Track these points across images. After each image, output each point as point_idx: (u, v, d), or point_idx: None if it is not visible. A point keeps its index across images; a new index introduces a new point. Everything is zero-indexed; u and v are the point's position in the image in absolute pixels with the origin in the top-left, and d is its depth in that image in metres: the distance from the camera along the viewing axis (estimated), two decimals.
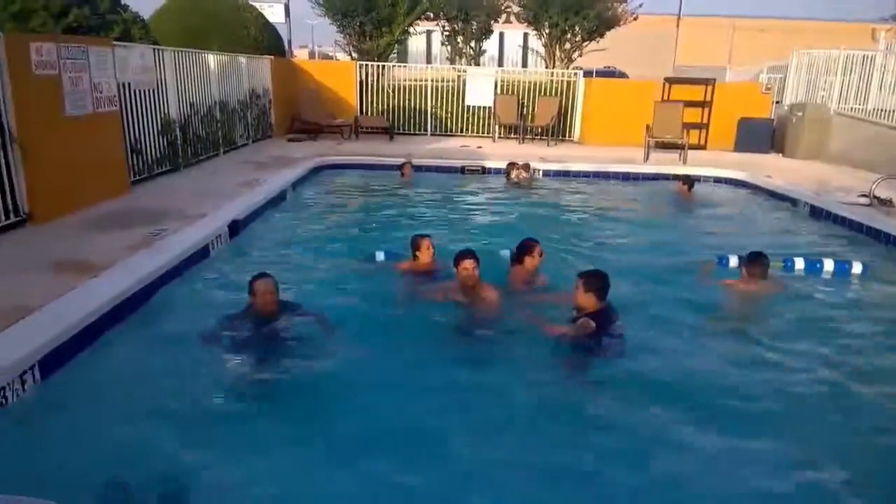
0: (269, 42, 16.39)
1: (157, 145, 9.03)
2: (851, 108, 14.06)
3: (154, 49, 9.05)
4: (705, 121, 14.85)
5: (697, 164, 12.10)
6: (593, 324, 4.29)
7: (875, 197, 8.76)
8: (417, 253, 5.52)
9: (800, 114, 13.98)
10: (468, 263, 4.78)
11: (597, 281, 4.42)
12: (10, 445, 3.27)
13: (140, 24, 10.09)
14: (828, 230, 8.21)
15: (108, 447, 3.27)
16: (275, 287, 4.39)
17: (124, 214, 6.92)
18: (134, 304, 4.77)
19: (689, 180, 10.18)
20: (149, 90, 8.79)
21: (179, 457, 3.21)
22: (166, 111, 9.26)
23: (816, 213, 8.89)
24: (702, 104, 14.81)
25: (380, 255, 6.17)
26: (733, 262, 6.09)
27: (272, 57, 14.56)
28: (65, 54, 6.79)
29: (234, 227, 6.89)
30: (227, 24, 15.18)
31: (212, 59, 10.97)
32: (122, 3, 10.18)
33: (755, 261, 5.48)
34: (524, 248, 5.35)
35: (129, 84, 8.24)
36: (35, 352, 3.75)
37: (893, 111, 12.73)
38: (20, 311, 4.15)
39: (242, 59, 12.57)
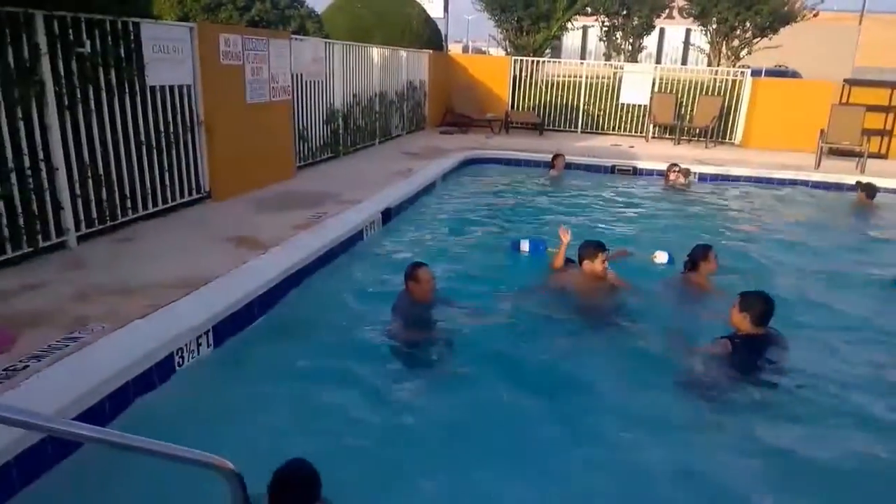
0: (429, 36, 16.83)
1: (321, 133, 9.58)
2: None
3: (325, 42, 9.58)
4: (889, 128, 13.43)
5: (877, 175, 10.91)
6: (730, 346, 3.97)
7: None
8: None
9: None
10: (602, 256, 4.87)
11: (754, 302, 4.01)
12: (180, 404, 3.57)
13: (314, 19, 10.74)
14: None
15: (274, 417, 3.51)
16: (433, 277, 4.48)
17: (290, 197, 7.41)
18: (296, 281, 5.11)
19: (871, 189, 9.32)
20: (318, 81, 9.32)
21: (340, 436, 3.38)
22: (332, 101, 9.79)
23: None
24: (886, 109, 13.40)
25: (524, 245, 6.18)
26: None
27: (431, 51, 14.93)
28: (249, 46, 7.37)
29: (387, 214, 7.17)
30: (392, 18, 15.76)
31: (375, 53, 11.44)
32: None
33: None
34: (698, 253, 5.10)
35: (302, 75, 8.78)
36: (210, 319, 4.10)
37: None
38: (198, 281, 4.57)
39: (403, 53, 12.99)
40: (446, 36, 24.18)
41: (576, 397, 3.87)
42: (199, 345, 3.99)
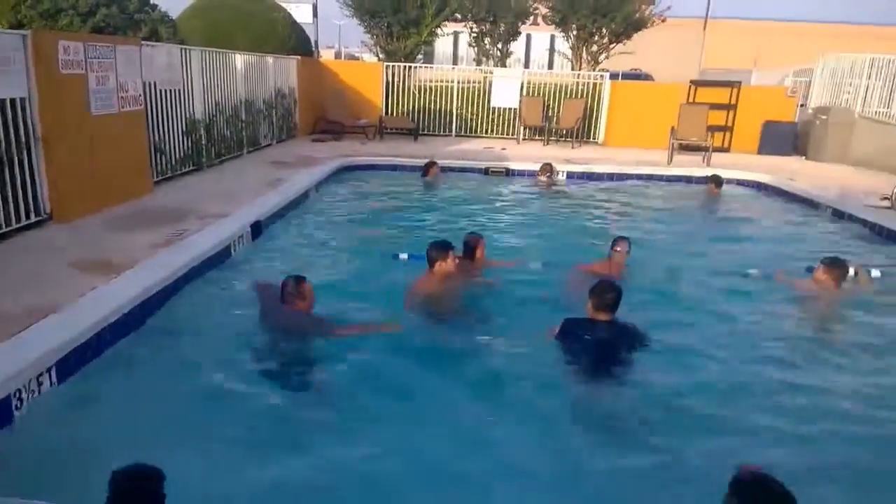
0: (296, 42, 16.44)
1: (181, 145, 9.06)
2: (876, 112, 13.88)
3: (181, 48, 9.08)
4: (730, 124, 14.75)
5: (721, 167, 11.96)
6: (556, 330, 4.27)
7: None
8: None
9: (824, 117, 13.92)
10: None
11: (596, 287, 4.27)
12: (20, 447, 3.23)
13: (168, 24, 10.14)
14: (849, 233, 8.17)
15: (122, 451, 3.22)
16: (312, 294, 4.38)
17: (147, 214, 6.93)
18: (156, 305, 4.75)
19: (718, 180, 10.23)
20: (174, 89, 8.82)
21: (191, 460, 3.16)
22: (191, 111, 9.29)
23: (838, 215, 8.89)
24: (727, 107, 14.71)
25: (403, 256, 6.13)
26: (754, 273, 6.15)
27: (299, 57, 14.59)
28: (92, 53, 6.82)
29: (257, 228, 6.87)
30: (255, 24, 15.25)
31: (238, 59, 11.00)
32: (151, 2, 10.25)
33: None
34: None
35: (155, 83, 8.26)
36: (54, 352, 3.72)
37: None
38: (39, 312, 4.13)
39: (269, 59, 12.59)
40: (317, 42, 23.75)
41: (431, 401, 3.82)
42: (39, 384, 3.60)
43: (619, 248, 5.73)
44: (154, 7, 9.99)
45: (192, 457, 3.14)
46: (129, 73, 7.54)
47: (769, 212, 9.69)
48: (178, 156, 8.97)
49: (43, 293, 4.47)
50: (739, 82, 15.10)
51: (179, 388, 3.85)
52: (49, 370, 3.67)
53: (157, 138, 8.37)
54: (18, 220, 5.97)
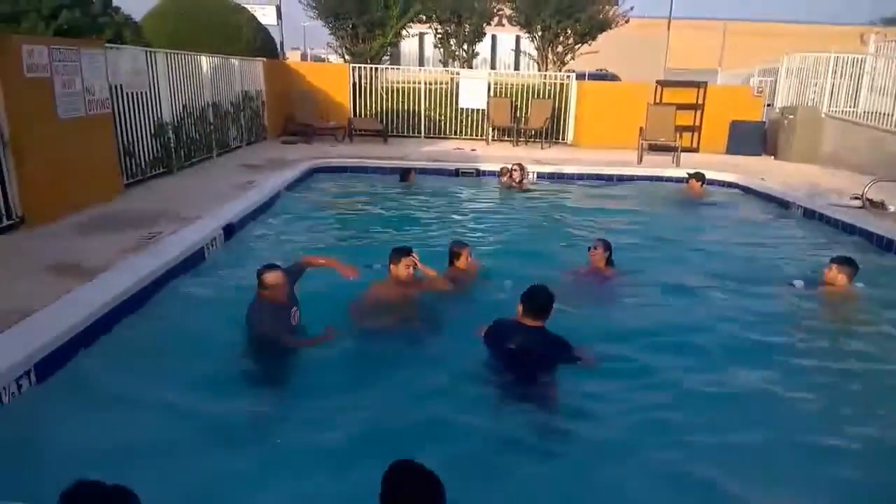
0: (262, 44, 16.33)
1: (150, 148, 8.97)
2: (842, 111, 14.13)
3: (146, 51, 9.00)
4: (698, 123, 14.94)
5: (690, 167, 12.07)
6: (483, 330, 4.17)
7: (867, 199, 8.79)
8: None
9: (791, 116, 14.11)
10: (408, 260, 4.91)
11: (529, 291, 4.05)
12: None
13: (132, 27, 10.01)
14: (820, 233, 8.24)
15: (96, 453, 3.20)
16: (284, 276, 4.32)
17: (118, 217, 6.87)
18: (129, 308, 4.73)
19: (701, 176, 10.32)
20: (141, 92, 8.73)
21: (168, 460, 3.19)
22: (159, 113, 9.20)
23: (809, 215, 8.93)
24: (694, 107, 14.91)
25: (377, 266, 6.14)
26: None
27: (264, 59, 14.51)
28: (56, 57, 6.74)
29: (229, 230, 6.85)
30: (219, 27, 15.11)
31: (204, 62, 10.92)
32: (114, 5, 10.09)
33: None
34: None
35: (122, 86, 8.18)
36: (30, 356, 3.71)
37: (883, 114, 12.81)
38: (14, 316, 4.10)
39: (235, 62, 12.52)
40: (282, 43, 23.60)
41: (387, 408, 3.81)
42: (19, 386, 3.58)
43: (596, 249, 5.80)
44: (117, 10, 9.85)
45: (163, 461, 3.18)
46: (95, 76, 7.45)
47: (743, 212, 9.72)
48: (147, 158, 8.88)
49: (17, 297, 4.43)
50: (706, 82, 15.32)
51: (155, 390, 3.83)
52: (28, 373, 3.65)
53: (125, 141, 8.29)
54: None
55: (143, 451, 3.24)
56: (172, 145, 9.49)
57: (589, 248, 5.89)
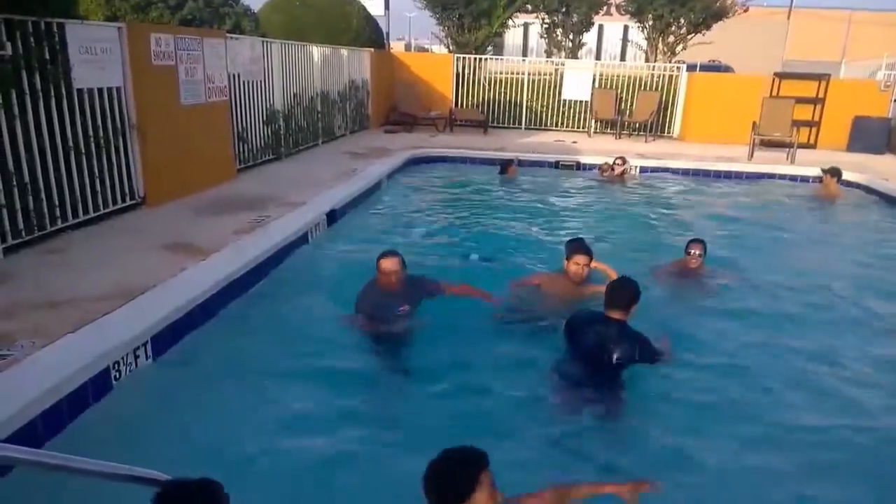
0: (369, 34, 16.69)
1: (262, 134, 9.38)
2: None
3: (263, 41, 9.38)
4: (817, 118, 14.05)
5: (807, 164, 11.40)
6: (566, 322, 4.08)
7: None
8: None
9: None
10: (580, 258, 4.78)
11: (613, 285, 4.01)
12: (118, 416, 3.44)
13: (250, 17, 10.49)
14: None
15: (204, 429, 3.39)
16: (401, 264, 4.38)
17: (231, 200, 7.23)
18: (239, 288, 4.97)
19: (838, 172, 9.72)
20: (256, 81, 9.12)
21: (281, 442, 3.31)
22: (271, 101, 9.59)
23: None
24: (814, 101, 14.02)
25: (474, 257, 6.18)
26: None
27: (372, 49, 14.82)
28: (181, 45, 7.15)
29: (332, 216, 7.07)
30: (331, 17, 15.55)
31: (315, 52, 11.27)
32: None
33: None
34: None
35: (239, 75, 8.57)
36: (147, 330, 3.94)
37: None
38: (133, 291, 4.39)
39: (344, 52, 12.85)
40: (388, 34, 24.00)
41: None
42: (136, 357, 3.83)
43: (693, 251, 5.52)
44: (237, 1, 10.35)
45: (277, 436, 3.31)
46: (216, 64, 7.85)
47: (863, 214, 9.15)
48: (259, 145, 9.30)
49: (137, 272, 4.75)
50: (828, 75, 14.38)
51: (267, 368, 4.02)
52: (144, 345, 3.90)
53: (240, 128, 8.70)
54: (115, 202, 6.35)
55: (249, 430, 3.37)
56: (282, 132, 9.88)
57: (687, 251, 5.57)
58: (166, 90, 6.99)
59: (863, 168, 11.15)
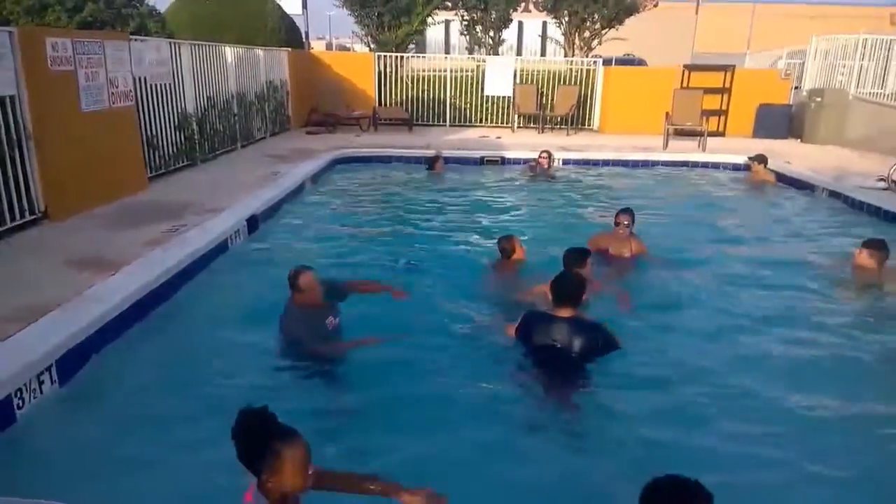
0: (287, 34, 16.31)
1: (174, 140, 8.97)
2: (870, 93, 13.87)
3: (170, 42, 8.98)
4: (724, 107, 14.72)
5: (716, 151, 11.97)
6: (512, 331, 4.01)
7: (893, 181, 8.73)
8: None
9: (818, 99, 13.93)
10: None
11: (554, 282, 3.93)
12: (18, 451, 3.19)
13: (156, 18, 10.03)
14: (847, 215, 8.20)
15: (125, 448, 3.19)
16: (317, 276, 4.12)
17: (141, 210, 6.86)
18: (153, 302, 4.70)
19: (764, 159, 10.23)
20: (165, 84, 8.72)
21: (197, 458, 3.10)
22: (183, 105, 9.19)
23: (835, 197, 8.91)
24: (721, 91, 14.67)
25: (403, 262, 6.09)
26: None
27: (290, 49, 14.47)
28: (80, 49, 6.72)
29: (253, 222, 6.81)
30: (245, 17, 15.11)
31: (229, 52, 10.89)
32: None
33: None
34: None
35: (145, 78, 8.17)
36: (52, 352, 3.67)
37: None
38: (37, 311, 4.07)
39: (259, 52, 12.48)
40: (307, 33, 23.54)
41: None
42: (41, 383, 3.55)
43: (622, 221, 5.72)
44: (141, 1, 9.87)
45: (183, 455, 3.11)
46: (119, 68, 7.44)
47: (768, 195, 9.66)
48: (171, 151, 8.89)
49: (40, 292, 4.41)
50: (733, 66, 15.05)
51: (179, 384, 3.80)
52: (49, 369, 3.62)
53: (149, 134, 8.29)
54: (13, 218, 5.90)
55: (159, 452, 3.16)
56: (196, 137, 9.50)
57: (616, 221, 5.80)
58: (65, 97, 6.56)
59: (768, 153, 11.68)
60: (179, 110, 9.08)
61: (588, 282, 4.12)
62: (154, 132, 8.44)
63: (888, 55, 13.77)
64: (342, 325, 4.22)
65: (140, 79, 8.01)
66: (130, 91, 7.68)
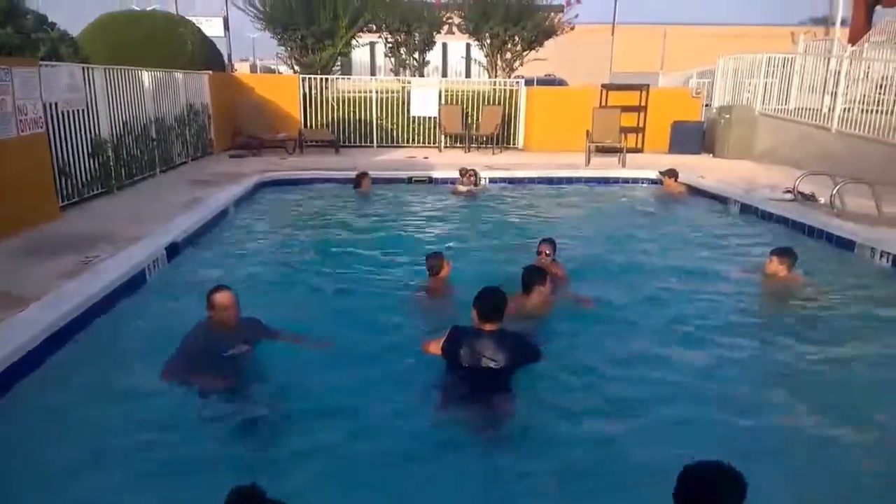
0: (207, 57, 16.01)
1: (87, 167, 8.66)
2: (774, 109, 14.75)
3: (83, 67, 8.70)
4: (641, 125, 15.33)
5: (636, 167, 12.48)
6: (438, 347, 4.04)
7: (799, 192, 9.25)
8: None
9: (727, 115, 14.76)
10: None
11: (478, 296, 3.99)
12: None
13: (68, 42, 9.67)
14: (757, 226, 8.67)
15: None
16: (235, 300, 4.13)
17: (53, 241, 6.59)
18: (63, 338, 4.52)
19: (674, 173, 10.71)
20: (78, 110, 8.44)
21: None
22: (97, 131, 8.90)
23: (746, 209, 9.40)
24: (637, 109, 15.27)
25: (329, 288, 6.08)
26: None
27: (210, 72, 14.23)
28: None
29: (173, 250, 6.65)
30: (163, 41, 14.76)
31: (146, 76, 10.63)
32: (50, 21, 9.73)
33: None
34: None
35: (56, 104, 7.89)
36: None
37: (812, 110, 13.40)
38: None
39: (178, 75, 12.23)
40: (230, 55, 23.26)
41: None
42: None
43: (543, 250, 5.82)
44: (53, 26, 9.51)
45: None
46: (28, 95, 7.17)
47: (683, 209, 10.09)
48: (84, 178, 8.57)
49: None
50: (647, 85, 15.70)
51: (92, 423, 3.67)
52: None
53: (61, 161, 7.99)
54: None
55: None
56: (112, 164, 9.19)
57: (538, 251, 5.87)
58: None
59: (682, 167, 12.26)
60: (93, 136, 8.79)
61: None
62: (66, 159, 8.13)
63: (790, 72, 14.62)
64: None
65: (51, 105, 7.72)
66: (41, 118, 7.40)
